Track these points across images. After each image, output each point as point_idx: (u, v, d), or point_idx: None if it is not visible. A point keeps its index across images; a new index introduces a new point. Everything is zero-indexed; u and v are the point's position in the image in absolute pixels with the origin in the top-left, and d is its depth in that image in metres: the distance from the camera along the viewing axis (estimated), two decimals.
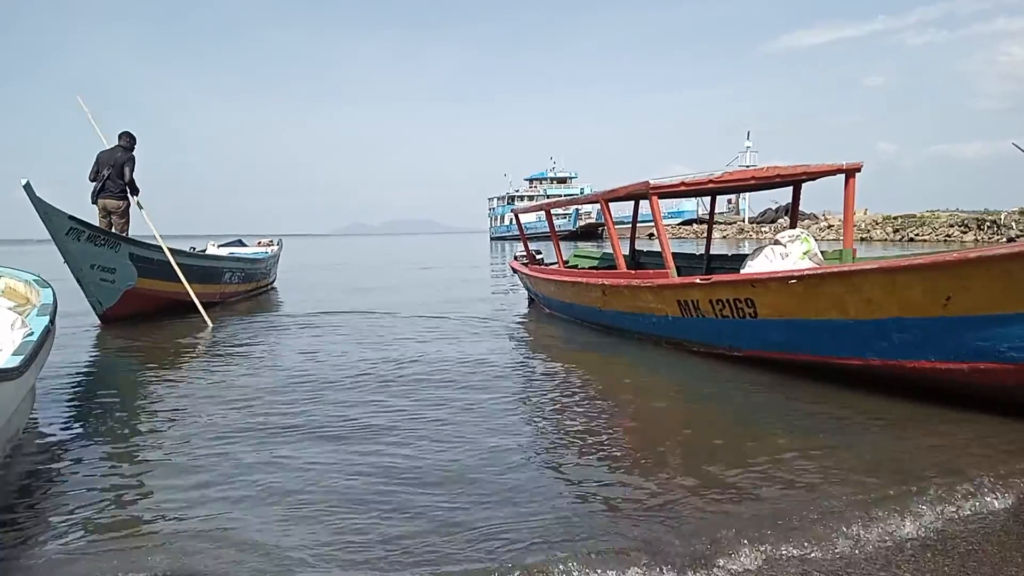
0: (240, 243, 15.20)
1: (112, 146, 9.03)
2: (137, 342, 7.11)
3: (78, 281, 7.81)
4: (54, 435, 3.84)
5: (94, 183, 8.88)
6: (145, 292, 8.47)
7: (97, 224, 8.50)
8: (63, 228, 7.43)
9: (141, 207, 9.00)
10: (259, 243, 15.11)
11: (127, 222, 9.03)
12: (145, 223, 8.91)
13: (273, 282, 13.77)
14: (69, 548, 2.46)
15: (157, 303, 8.72)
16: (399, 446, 3.51)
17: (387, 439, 3.63)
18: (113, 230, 8.67)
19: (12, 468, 3.25)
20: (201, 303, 8.30)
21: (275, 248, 14.50)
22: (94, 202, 8.92)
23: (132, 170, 8.93)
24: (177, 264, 8.53)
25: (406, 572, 2.26)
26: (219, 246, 14.05)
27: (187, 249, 10.16)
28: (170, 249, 8.61)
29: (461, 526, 2.55)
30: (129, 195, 9.01)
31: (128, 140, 9.08)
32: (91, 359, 6.36)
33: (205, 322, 7.95)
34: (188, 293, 8.34)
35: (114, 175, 8.83)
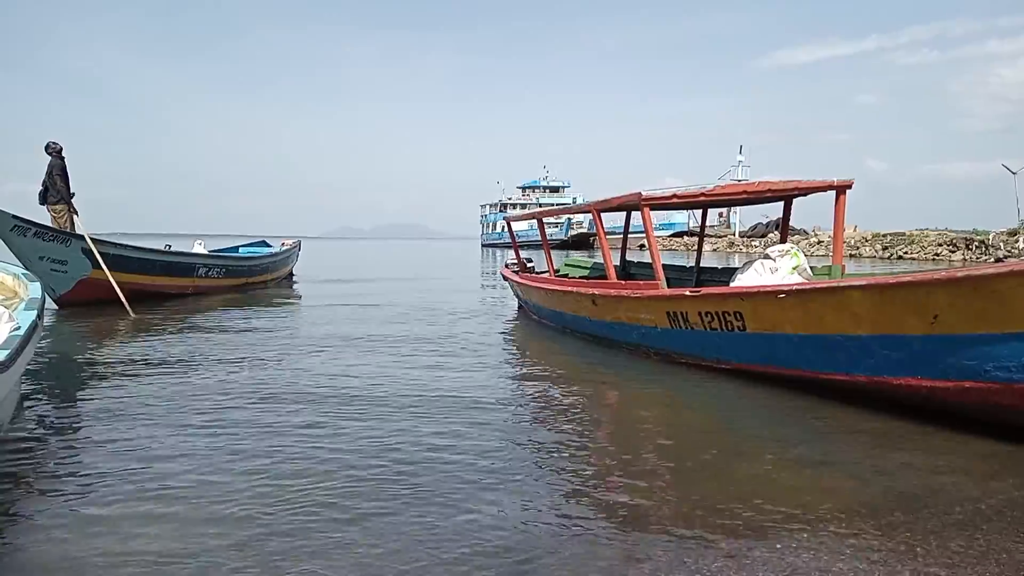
0: (264, 243, 17.48)
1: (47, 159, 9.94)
2: (98, 332, 7.42)
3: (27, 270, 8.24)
4: (38, 428, 3.81)
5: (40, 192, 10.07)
6: (101, 282, 9.32)
7: (50, 224, 9.60)
8: (7, 225, 8.51)
9: (76, 212, 9.92)
10: (283, 244, 16.72)
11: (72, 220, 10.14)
12: (78, 226, 9.89)
13: (280, 278, 15.20)
14: (54, 540, 2.46)
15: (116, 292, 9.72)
16: (372, 444, 3.50)
17: (363, 437, 3.61)
18: (64, 228, 9.85)
19: None
20: (172, 292, 10.70)
21: (284, 248, 16.14)
22: (43, 206, 9.99)
23: (61, 176, 9.86)
24: (140, 259, 10.13)
25: None
26: (243, 246, 16.61)
27: (162, 247, 11.66)
28: (134, 247, 10.28)
29: (422, 543, 2.50)
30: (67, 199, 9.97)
31: (54, 148, 9.88)
32: (67, 348, 6.32)
33: (127, 312, 8.70)
34: (147, 284, 10.00)
35: (49, 183, 9.86)
